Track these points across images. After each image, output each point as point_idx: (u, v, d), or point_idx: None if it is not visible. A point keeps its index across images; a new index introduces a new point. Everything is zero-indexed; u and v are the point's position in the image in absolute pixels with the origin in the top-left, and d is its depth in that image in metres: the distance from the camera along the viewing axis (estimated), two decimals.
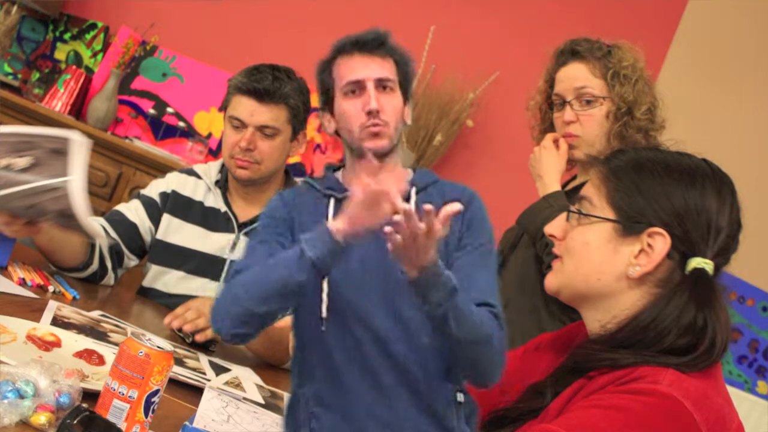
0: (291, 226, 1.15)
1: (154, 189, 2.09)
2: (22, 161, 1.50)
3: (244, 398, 1.43)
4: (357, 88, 1.13)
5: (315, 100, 2.21)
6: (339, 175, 1.21)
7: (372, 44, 1.14)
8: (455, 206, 0.98)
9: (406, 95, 1.18)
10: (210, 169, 2.13)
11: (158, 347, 1.08)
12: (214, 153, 3.33)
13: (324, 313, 1.09)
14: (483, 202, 1.21)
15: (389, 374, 1.08)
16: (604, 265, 1.19)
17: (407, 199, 1.15)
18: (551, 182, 1.80)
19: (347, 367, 1.08)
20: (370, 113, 1.11)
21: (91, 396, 1.10)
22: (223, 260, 2.02)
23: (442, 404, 1.10)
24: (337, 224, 1.02)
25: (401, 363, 1.09)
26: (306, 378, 1.11)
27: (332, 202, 1.15)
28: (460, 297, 1.03)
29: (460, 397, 1.12)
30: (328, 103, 1.18)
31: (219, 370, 1.59)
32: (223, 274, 2.02)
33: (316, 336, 1.10)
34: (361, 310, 1.09)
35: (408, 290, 1.05)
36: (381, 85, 1.13)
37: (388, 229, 0.98)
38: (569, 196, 1.77)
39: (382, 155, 1.13)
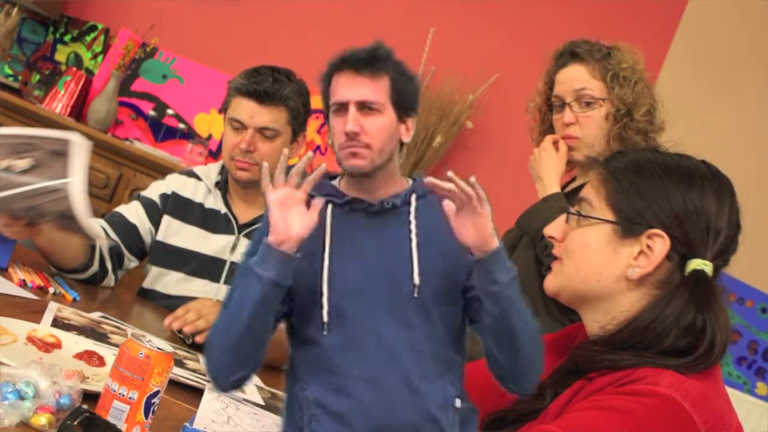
0: None
1: (154, 190, 2.09)
2: (23, 163, 1.50)
3: (244, 399, 1.43)
4: (342, 108, 1.13)
5: (315, 102, 2.22)
6: (336, 182, 1.21)
7: (363, 62, 1.11)
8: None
9: (406, 112, 1.15)
10: (210, 171, 2.13)
11: (158, 348, 1.08)
12: (214, 155, 3.34)
13: (325, 318, 1.09)
14: None
15: (391, 379, 1.08)
16: (604, 266, 1.19)
17: (407, 204, 1.15)
18: (551, 184, 1.80)
19: (348, 372, 1.08)
20: (347, 134, 1.11)
21: (91, 397, 1.10)
22: (223, 262, 2.03)
23: (441, 410, 1.10)
24: (271, 237, 1.04)
25: (404, 368, 1.09)
26: (306, 381, 1.11)
27: (330, 207, 1.15)
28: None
29: (458, 402, 1.12)
30: (327, 114, 1.18)
31: None
32: (223, 276, 2.02)
33: (316, 340, 1.10)
34: (364, 315, 1.09)
35: (416, 303, 1.08)
36: (365, 105, 1.11)
37: (446, 204, 1.03)
38: (569, 197, 1.77)
39: (361, 175, 1.14)
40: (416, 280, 1.09)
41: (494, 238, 1.04)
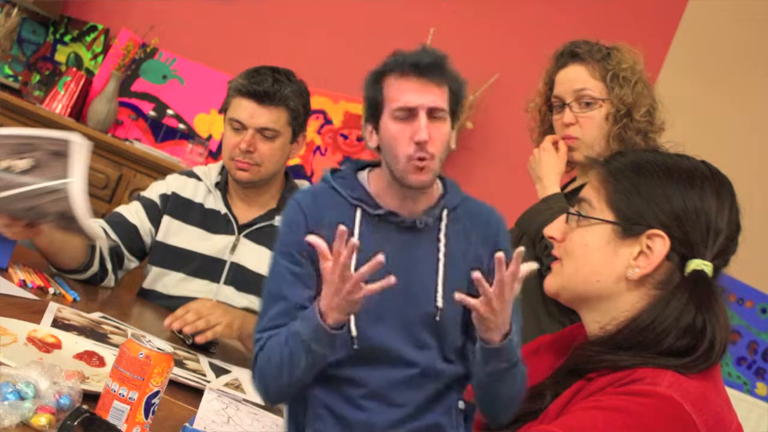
0: (309, 248, 1.12)
1: (155, 191, 2.10)
2: (23, 163, 1.50)
3: (244, 400, 1.44)
4: (409, 114, 1.09)
5: (315, 103, 2.22)
6: (364, 178, 1.18)
7: (430, 69, 1.09)
8: (532, 266, 1.02)
9: (456, 119, 1.14)
10: (210, 171, 2.13)
11: (158, 349, 1.08)
12: (214, 155, 3.34)
13: (354, 332, 1.09)
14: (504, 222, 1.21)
15: (402, 393, 1.09)
16: (604, 266, 1.19)
17: (438, 219, 1.14)
18: (550, 184, 1.80)
19: (360, 385, 1.08)
20: (418, 144, 1.07)
21: (91, 398, 1.10)
22: (224, 262, 2.03)
23: (446, 416, 1.11)
24: (323, 307, 1.03)
25: (415, 387, 1.09)
26: (314, 384, 1.11)
27: (359, 213, 1.13)
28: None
29: (461, 404, 1.13)
30: (373, 116, 1.13)
31: (219, 371, 1.59)
32: (223, 276, 2.02)
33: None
34: (382, 333, 1.09)
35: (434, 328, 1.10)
36: (433, 114, 1.09)
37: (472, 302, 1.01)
38: (568, 198, 1.77)
39: (423, 189, 1.12)
40: (439, 303, 1.09)
41: (508, 322, 1.03)
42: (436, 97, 1.09)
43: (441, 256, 1.10)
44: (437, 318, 1.08)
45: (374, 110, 1.12)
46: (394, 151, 1.09)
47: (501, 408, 1.11)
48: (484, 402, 1.11)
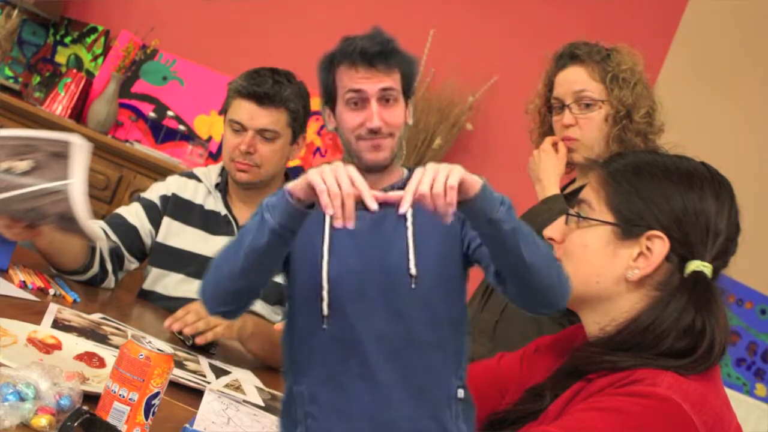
0: None
1: (155, 192, 2.10)
2: (23, 164, 1.50)
3: (244, 401, 1.44)
4: (359, 99, 1.12)
5: (315, 104, 2.23)
6: None
7: (378, 57, 1.12)
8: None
9: (410, 96, 1.18)
10: (210, 173, 2.13)
11: (158, 350, 1.08)
12: (215, 156, 3.34)
13: (326, 311, 1.09)
14: None
15: (388, 372, 1.08)
16: (603, 268, 1.19)
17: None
18: (550, 185, 1.81)
19: (344, 365, 1.08)
20: (372, 130, 1.11)
21: (91, 399, 1.10)
22: None
23: (440, 400, 1.09)
24: (294, 186, 1.01)
25: (401, 360, 1.08)
26: (301, 376, 1.11)
27: None
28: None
29: (461, 393, 1.12)
30: (330, 101, 1.18)
31: (219, 372, 1.59)
32: None
33: (313, 334, 1.10)
34: (360, 308, 1.09)
35: (410, 295, 1.07)
36: (384, 97, 1.13)
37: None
38: (568, 199, 1.77)
39: (382, 167, 1.14)
40: (413, 270, 1.09)
41: (473, 181, 0.96)
42: (386, 83, 1.13)
43: (409, 225, 1.12)
44: (413, 286, 1.09)
45: (329, 95, 1.17)
46: (348, 135, 1.15)
47: (545, 282, 1.01)
48: (527, 288, 1.03)
